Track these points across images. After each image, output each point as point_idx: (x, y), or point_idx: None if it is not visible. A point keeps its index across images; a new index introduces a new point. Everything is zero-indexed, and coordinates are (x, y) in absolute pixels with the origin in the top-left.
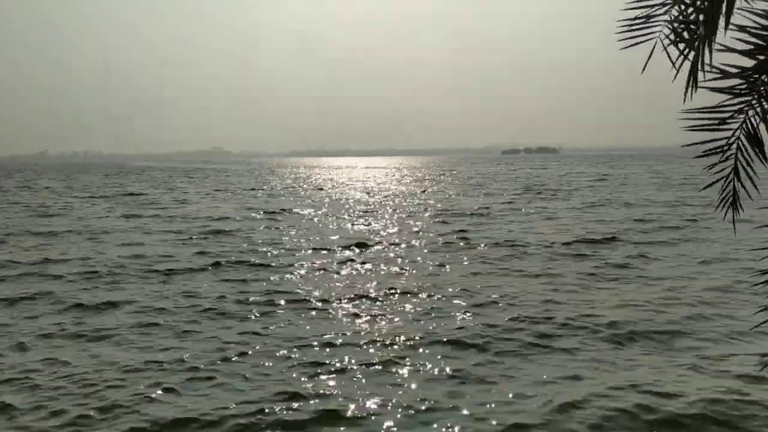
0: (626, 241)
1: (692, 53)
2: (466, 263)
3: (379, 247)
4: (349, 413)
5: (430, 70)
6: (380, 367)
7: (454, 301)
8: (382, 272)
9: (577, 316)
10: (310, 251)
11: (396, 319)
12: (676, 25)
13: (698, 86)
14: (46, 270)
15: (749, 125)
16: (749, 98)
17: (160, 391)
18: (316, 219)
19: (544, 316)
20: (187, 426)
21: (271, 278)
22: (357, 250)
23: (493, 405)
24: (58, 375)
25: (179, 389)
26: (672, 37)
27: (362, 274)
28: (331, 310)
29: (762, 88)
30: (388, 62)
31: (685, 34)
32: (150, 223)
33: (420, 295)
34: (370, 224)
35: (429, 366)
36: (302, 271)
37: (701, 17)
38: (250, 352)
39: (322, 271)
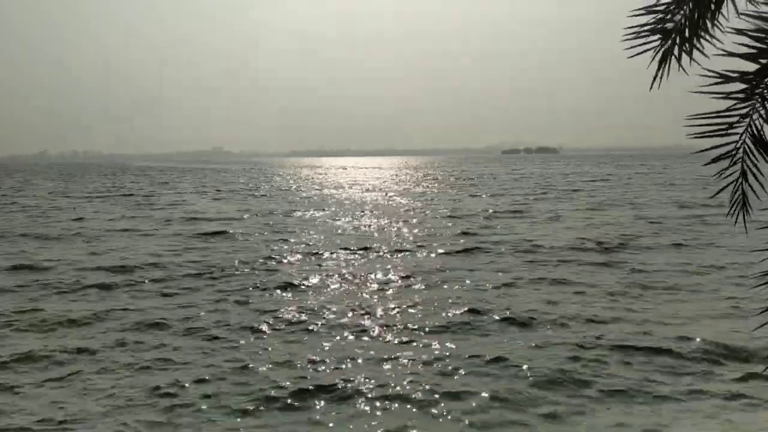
0: (642, 246)
1: (672, 43)
2: (485, 270)
3: (389, 250)
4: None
5: (430, 69)
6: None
7: (487, 317)
8: (399, 281)
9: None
10: (318, 253)
11: (424, 339)
12: (682, 24)
13: (695, 91)
14: (32, 276)
15: (754, 129)
16: (753, 102)
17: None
18: (323, 220)
19: (610, 339)
20: None
21: (278, 283)
22: (366, 254)
23: None
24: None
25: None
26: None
27: (375, 281)
28: (341, 328)
29: (765, 92)
30: (388, 62)
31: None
32: (149, 224)
33: (447, 310)
34: (378, 226)
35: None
36: (311, 274)
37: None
38: (249, 374)
39: (330, 275)
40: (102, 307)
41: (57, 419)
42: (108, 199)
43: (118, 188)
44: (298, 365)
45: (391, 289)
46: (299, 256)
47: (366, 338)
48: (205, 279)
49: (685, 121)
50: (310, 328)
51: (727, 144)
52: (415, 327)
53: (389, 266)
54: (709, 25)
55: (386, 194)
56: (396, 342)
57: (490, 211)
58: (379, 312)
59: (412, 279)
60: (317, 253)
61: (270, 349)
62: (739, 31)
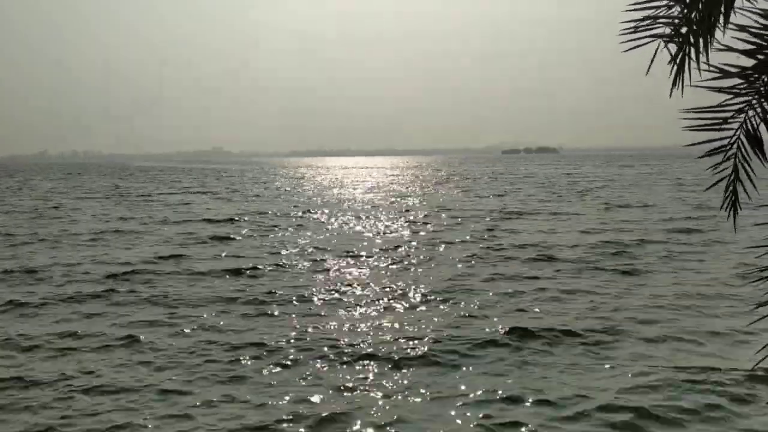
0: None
1: (688, 48)
2: (501, 275)
3: (399, 254)
4: None
5: (430, 70)
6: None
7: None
8: (419, 294)
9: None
10: (326, 256)
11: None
12: (677, 21)
13: (692, 84)
14: (19, 279)
15: (749, 125)
16: (749, 98)
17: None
18: (328, 221)
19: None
20: None
21: (283, 285)
22: (376, 257)
23: None
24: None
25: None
26: (672, 36)
27: (387, 289)
28: (352, 328)
29: (762, 89)
30: (388, 62)
31: (684, 30)
32: (149, 225)
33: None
34: (386, 227)
35: None
36: (321, 277)
37: (696, 16)
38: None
39: (339, 279)
40: (92, 314)
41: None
42: (108, 199)
43: (117, 188)
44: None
45: (414, 304)
46: (303, 259)
47: (384, 368)
48: (206, 283)
49: (680, 111)
50: (326, 355)
51: (722, 138)
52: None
53: (410, 277)
54: (721, 22)
55: (393, 194)
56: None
57: (500, 211)
58: (396, 336)
59: (434, 290)
60: (322, 259)
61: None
62: (740, 27)
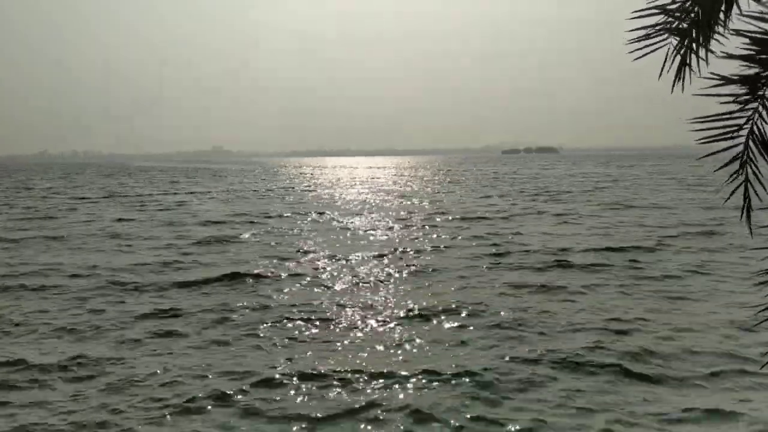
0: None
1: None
2: (513, 280)
3: (406, 257)
4: None
5: (430, 70)
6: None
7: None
8: (422, 292)
9: None
10: (331, 258)
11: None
12: (678, 15)
13: (699, 93)
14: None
15: (757, 131)
16: (756, 105)
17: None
18: (333, 223)
19: None
20: None
21: (287, 291)
22: (383, 260)
23: None
24: None
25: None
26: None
27: (395, 293)
28: (358, 336)
29: (766, 95)
30: (388, 62)
31: (684, 25)
32: (148, 227)
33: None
34: (392, 229)
35: None
36: (327, 283)
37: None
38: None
39: (347, 284)
40: (92, 317)
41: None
42: (108, 200)
43: (117, 189)
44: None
45: (424, 312)
46: (309, 261)
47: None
48: (208, 288)
49: (687, 122)
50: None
51: (736, 146)
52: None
53: (420, 282)
54: (722, 21)
55: (396, 195)
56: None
57: (507, 212)
58: (404, 344)
59: (444, 299)
60: (328, 261)
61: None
62: (740, 33)
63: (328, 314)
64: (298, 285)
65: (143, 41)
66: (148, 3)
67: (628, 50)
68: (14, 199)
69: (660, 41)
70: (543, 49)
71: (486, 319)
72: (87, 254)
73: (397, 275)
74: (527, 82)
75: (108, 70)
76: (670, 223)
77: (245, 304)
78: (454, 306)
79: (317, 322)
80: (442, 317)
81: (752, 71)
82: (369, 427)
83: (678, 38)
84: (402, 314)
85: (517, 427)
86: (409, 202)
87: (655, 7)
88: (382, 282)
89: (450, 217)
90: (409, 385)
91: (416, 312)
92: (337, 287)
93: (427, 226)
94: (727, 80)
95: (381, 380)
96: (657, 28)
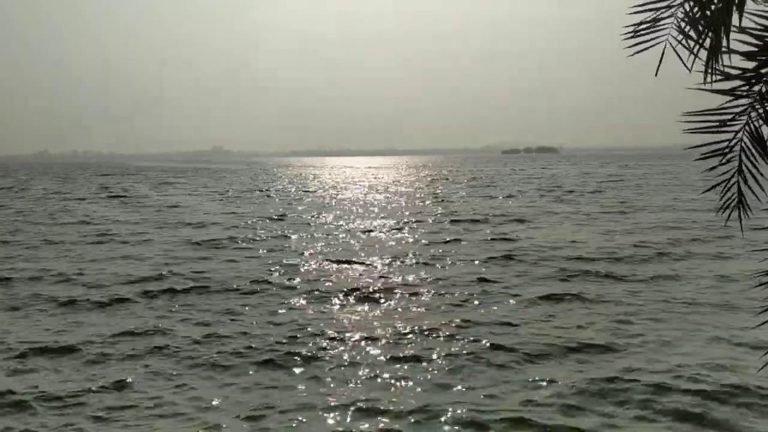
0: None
1: (707, 42)
2: (532, 286)
3: (417, 262)
4: None
5: (430, 70)
6: None
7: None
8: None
9: None
10: (339, 262)
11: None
12: (684, 22)
13: (696, 87)
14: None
15: (752, 127)
16: (752, 100)
17: None
18: (338, 225)
19: None
20: None
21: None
22: (393, 265)
23: None
24: None
25: None
26: (680, 37)
27: (407, 301)
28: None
29: (764, 89)
30: (388, 62)
31: (692, 33)
32: (149, 230)
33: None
34: (401, 232)
35: None
36: (334, 291)
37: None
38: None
39: (354, 287)
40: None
41: None
42: (107, 200)
43: (117, 189)
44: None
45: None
46: (316, 265)
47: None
48: (212, 293)
49: (681, 115)
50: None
51: (722, 141)
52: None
53: (434, 287)
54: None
55: (401, 195)
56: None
57: (515, 214)
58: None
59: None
60: (336, 265)
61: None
62: (741, 29)
63: (338, 324)
64: (305, 291)
65: (143, 41)
66: (148, 3)
67: (628, 51)
68: (11, 200)
69: (657, 37)
70: (543, 49)
71: (502, 324)
72: (73, 259)
73: (410, 282)
74: (527, 82)
75: (108, 70)
76: (684, 224)
77: (247, 310)
78: (469, 318)
79: (328, 332)
80: (456, 330)
81: (750, 66)
82: None
83: (675, 34)
84: (419, 328)
85: None
86: (414, 204)
87: (649, 3)
88: (393, 290)
89: (458, 219)
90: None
91: (429, 326)
92: (345, 294)
93: (435, 229)
94: (727, 75)
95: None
96: (643, 25)
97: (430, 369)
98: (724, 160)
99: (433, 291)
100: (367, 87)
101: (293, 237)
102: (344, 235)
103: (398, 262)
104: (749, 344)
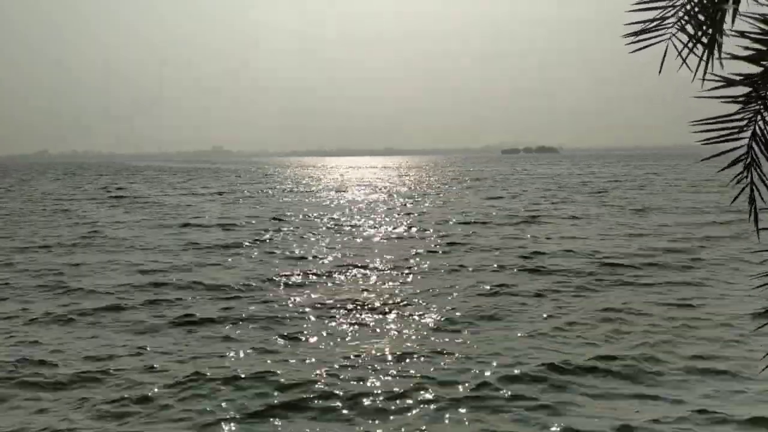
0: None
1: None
2: (545, 292)
3: (426, 267)
4: None
5: (430, 70)
6: None
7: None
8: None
9: None
10: (346, 266)
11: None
12: (685, 21)
13: (698, 96)
14: None
15: (759, 133)
16: (758, 106)
17: None
18: (343, 227)
19: None
20: None
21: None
22: (402, 271)
23: None
24: None
25: None
26: (682, 36)
27: (418, 310)
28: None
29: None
30: (388, 62)
31: (689, 28)
32: (149, 231)
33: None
34: (408, 234)
35: None
36: (343, 297)
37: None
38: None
39: (362, 292)
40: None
41: None
42: (107, 201)
43: (116, 189)
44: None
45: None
46: (322, 268)
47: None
48: (215, 300)
49: (689, 124)
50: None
51: (739, 148)
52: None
53: (448, 294)
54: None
55: (405, 195)
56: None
57: (521, 215)
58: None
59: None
60: (343, 270)
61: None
62: (741, 34)
63: (341, 333)
64: (310, 295)
65: (143, 41)
66: (148, 3)
67: (628, 50)
68: (8, 201)
69: (658, 36)
70: (543, 49)
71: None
72: (68, 261)
73: (421, 289)
74: (527, 82)
75: (108, 70)
76: (693, 226)
77: (248, 316)
78: (488, 315)
79: (337, 339)
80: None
81: (755, 71)
82: None
83: (675, 32)
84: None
85: None
86: (419, 204)
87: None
88: (403, 299)
89: (465, 221)
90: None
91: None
92: (350, 301)
93: (444, 232)
94: (729, 81)
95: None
96: (647, 24)
97: (440, 390)
98: (746, 168)
99: (443, 299)
100: (367, 87)
101: (295, 238)
102: (348, 237)
103: (407, 267)
104: None
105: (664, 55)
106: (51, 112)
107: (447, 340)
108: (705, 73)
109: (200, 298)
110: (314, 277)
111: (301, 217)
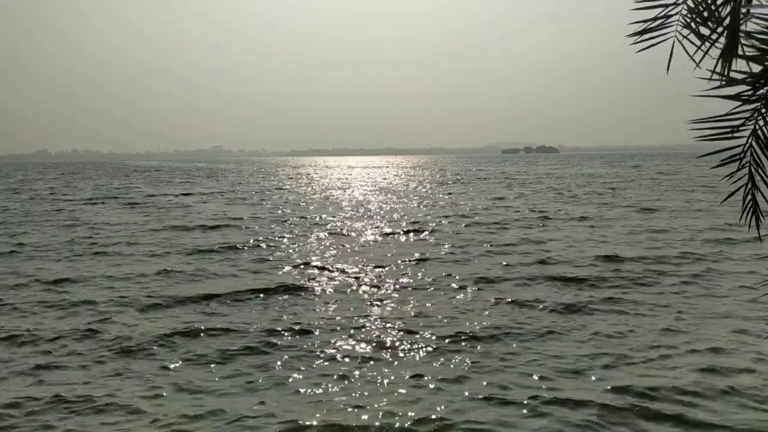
0: None
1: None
2: (565, 295)
3: (436, 270)
4: None
5: (430, 69)
6: None
7: None
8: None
9: None
10: (352, 269)
11: None
12: (690, 18)
13: (699, 94)
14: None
15: (760, 131)
16: (758, 105)
17: None
18: (347, 229)
19: None
20: None
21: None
22: (413, 272)
23: None
24: None
25: None
26: (686, 32)
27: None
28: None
29: None
30: (388, 62)
31: (701, 29)
32: (150, 233)
33: None
34: (417, 235)
35: None
36: (349, 300)
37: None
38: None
39: (368, 297)
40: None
41: None
42: (107, 201)
43: (115, 190)
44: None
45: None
46: (324, 272)
47: None
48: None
49: (688, 122)
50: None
51: (735, 147)
52: None
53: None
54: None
55: (408, 195)
56: None
57: (530, 216)
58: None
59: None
60: (353, 269)
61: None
62: (746, 34)
63: (352, 337)
64: (316, 299)
65: (144, 40)
66: (148, 2)
67: (630, 49)
68: (4, 201)
69: (664, 33)
70: (544, 49)
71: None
72: (65, 264)
73: (433, 290)
74: (528, 82)
75: (108, 70)
76: (704, 227)
77: (251, 322)
78: (504, 330)
79: (346, 347)
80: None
81: (757, 70)
82: None
83: (680, 28)
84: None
85: None
86: (423, 205)
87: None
88: (416, 303)
89: (472, 222)
90: None
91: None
92: (359, 306)
93: (451, 231)
94: (731, 80)
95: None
96: (650, 22)
97: (454, 388)
98: (740, 166)
99: (455, 300)
100: (368, 87)
101: (296, 240)
102: (353, 238)
103: (419, 268)
104: None
105: (671, 54)
106: (51, 111)
107: (457, 338)
108: (727, 70)
109: (201, 304)
110: (321, 278)
111: (305, 217)
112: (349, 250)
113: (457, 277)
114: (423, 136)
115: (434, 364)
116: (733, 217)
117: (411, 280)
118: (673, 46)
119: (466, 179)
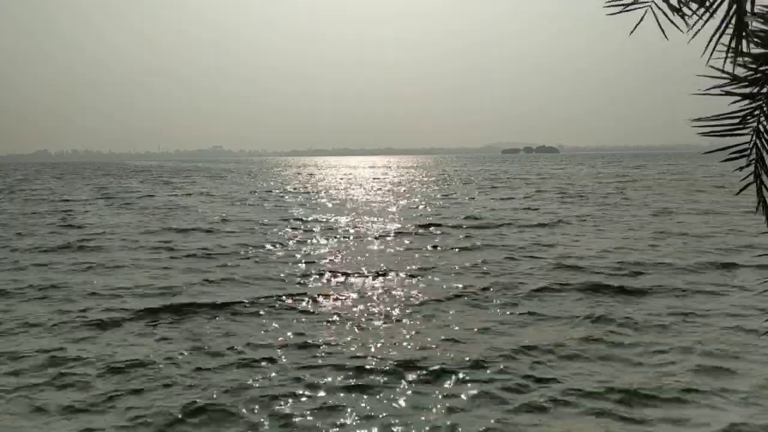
0: None
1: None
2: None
3: (445, 274)
4: None
5: (430, 69)
6: None
7: None
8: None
9: None
10: (354, 277)
11: None
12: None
13: (701, 92)
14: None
15: (762, 129)
16: (760, 102)
17: None
18: (349, 230)
19: None
20: None
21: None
22: (421, 277)
23: None
24: None
25: None
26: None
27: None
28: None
29: None
30: (388, 62)
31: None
32: (152, 234)
33: None
34: (423, 238)
35: None
36: (352, 310)
37: None
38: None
39: (374, 302)
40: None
41: None
42: (105, 202)
43: (112, 190)
44: None
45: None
46: (330, 273)
47: None
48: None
49: (690, 121)
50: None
51: (741, 144)
52: None
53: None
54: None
55: (410, 195)
56: None
57: (539, 218)
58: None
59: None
60: (357, 274)
61: None
62: (752, 32)
63: (357, 346)
64: (320, 305)
65: (143, 41)
66: (148, 2)
67: (628, 50)
68: (7, 202)
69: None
70: (543, 49)
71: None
72: (62, 268)
73: (442, 296)
74: (528, 82)
75: (108, 70)
76: (714, 228)
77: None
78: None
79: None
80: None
81: (761, 69)
82: None
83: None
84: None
85: None
86: (428, 205)
87: None
88: (422, 308)
89: (481, 225)
90: None
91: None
92: (367, 312)
93: (458, 235)
94: (733, 77)
95: None
96: None
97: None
98: (749, 162)
99: (464, 307)
100: (368, 87)
101: (297, 241)
102: (358, 240)
103: (425, 274)
104: None
105: (641, 20)
106: (51, 111)
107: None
108: (736, 57)
109: (207, 310)
110: (325, 285)
111: (309, 218)
112: (353, 254)
113: (470, 286)
114: (423, 136)
115: (446, 384)
116: (744, 216)
117: (419, 292)
118: (644, 15)
119: (468, 179)
